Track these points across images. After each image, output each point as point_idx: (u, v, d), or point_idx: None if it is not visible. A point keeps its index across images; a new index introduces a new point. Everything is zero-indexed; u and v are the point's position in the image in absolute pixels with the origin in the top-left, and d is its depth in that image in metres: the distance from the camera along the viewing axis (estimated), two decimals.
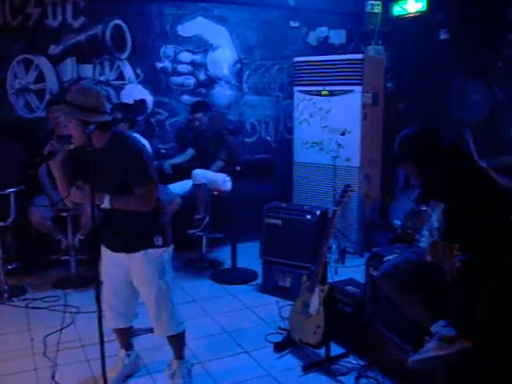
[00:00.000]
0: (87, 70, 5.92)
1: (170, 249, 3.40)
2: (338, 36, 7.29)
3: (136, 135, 3.59)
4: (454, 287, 2.85)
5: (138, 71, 6.15)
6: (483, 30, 6.49)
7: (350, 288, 4.16)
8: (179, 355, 3.56)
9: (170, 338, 3.50)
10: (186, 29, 6.38)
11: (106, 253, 3.38)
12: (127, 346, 3.69)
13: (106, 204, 3.06)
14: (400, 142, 3.14)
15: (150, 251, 3.26)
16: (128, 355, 3.67)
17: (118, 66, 6.05)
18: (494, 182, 3.01)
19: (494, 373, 3.01)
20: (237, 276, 5.59)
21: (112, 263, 3.34)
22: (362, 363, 3.80)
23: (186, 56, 6.43)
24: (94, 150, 2.95)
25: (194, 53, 6.48)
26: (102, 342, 2.91)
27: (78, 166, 3.14)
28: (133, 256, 3.26)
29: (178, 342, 3.53)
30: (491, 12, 6.37)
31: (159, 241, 3.28)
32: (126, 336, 3.69)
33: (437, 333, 2.86)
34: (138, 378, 3.69)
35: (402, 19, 7.26)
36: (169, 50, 6.31)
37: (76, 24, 5.78)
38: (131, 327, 3.72)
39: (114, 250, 3.31)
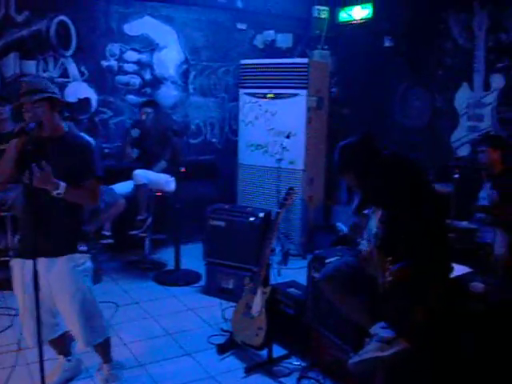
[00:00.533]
0: (30, 65, 5.78)
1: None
2: (284, 40, 7.34)
3: (83, 134, 3.52)
4: (391, 291, 2.90)
5: (83, 69, 6.04)
6: (425, 38, 6.65)
7: (292, 290, 4.20)
8: (107, 359, 3.49)
9: (96, 346, 3.38)
10: (133, 28, 6.32)
11: (20, 267, 3.13)
12: (65, 352, 3.59)
13: (61, 190, 2.95)
14: (339, 153, 3.14)
15: (75, 256, 3.17)
16: (68, 360, 3.59)
17: (63, 63, 5.93)
18: (433, 190, 3.09)
19: (432, 372, 3.09)
20: (180, 278, 5.56)
21: (31, 276, 2.89)
22: (303, 364, 3.84)
23: (131, 55, 6.36)
24: (50, 139, 2.96)
25: (140, 52, 6.41)
26: (40, 346, 2.84)
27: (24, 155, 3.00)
28: (56, 261, 3.13)
29: (104, 347, 3.45)
30: (433, 21, 6.54)
31: (83, 247, 3.21)
32: (61, 344, 3.56)
33: (376, 334, 2.90)
34: (78, 381, 3.61)
35: (348, 25, 7.38)
36: (115, 48, 6.23)
37: (19, 18, 5.63)
38: (64, 334, 3.50)
39: (37, 254, 2.97)
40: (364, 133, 3.16)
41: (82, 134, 3.45)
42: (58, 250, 3.14)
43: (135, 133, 5.78)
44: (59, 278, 3.15)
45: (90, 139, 3.51)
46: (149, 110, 5.89)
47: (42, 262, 3.03)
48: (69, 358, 3.59)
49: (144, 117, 5.89)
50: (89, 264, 3.27)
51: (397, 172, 3.03)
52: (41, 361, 2.83)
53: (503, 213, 4.43)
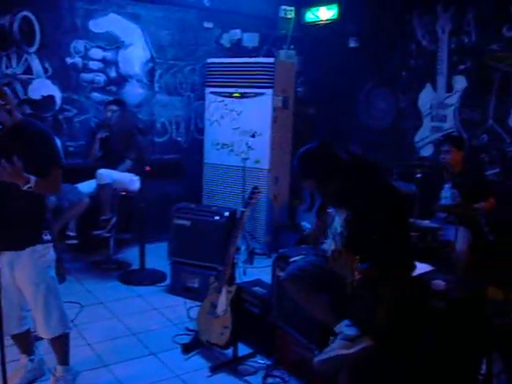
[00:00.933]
0: None
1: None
2: (251, 39, 7.34)
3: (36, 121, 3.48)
4: (355, 290, 2.93)
5: (47, 66, 5.95)
6: (390, 39, 6.74)
7: (257, 289, 4.21)
8: (64, 361, 3.43)
9: (55, 340, 3.34)
10: (98, 24, 6.24)
11: None
12: (28, 351, 3.54)
13: (31, 184, 2.94)
14: (298, 161, 3.15)
15: (39, 247, 3.15)
16: (31, 360, 3.53)
17: (26, 60, 5.83)
18: (395, 190, 3.13)
19: (395, 370, 3.14)
20: (145, 277, 5.52)
21: None
22: (268, 363, 3.86)
23: (97, 52, 6.29)
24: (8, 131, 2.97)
25: (105, 49, 6.35)
26: (2, 347, 2.78)
27: None
28: (20, 254, 3.12)
29: (63, 344, 3.39)
30: (397, 23, 6.63)
31: (48, 235, 3.19)
32: (25, 341, 3.52)
33: (341, 332, 2.93)
34: (42, 382, 3.56)
35: (314, 26, 7.44)
36: (79, 45, 6.15)
37: None
38: (29, 331, 3.49)
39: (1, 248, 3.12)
40: (322, 139, 3.18)
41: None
42: (21, 243, 3.12)
43: (102, 134, 5.75)
44: (23, 270, 3.14)
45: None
46: (114, 107, 5.85)
47: (6, 255, 3.10)
48: (31, 357, 3.54)
49: (109, 114, 5.85)
50: (52, 253, 3.25)
51: (357, 175, 3.06)
52: (2, 355, 2.79)
53: (464, 211, 4.52)
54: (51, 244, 3.24)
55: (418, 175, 4.69)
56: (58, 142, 4.90)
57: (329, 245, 3.07)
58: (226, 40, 7.20)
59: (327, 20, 7.23)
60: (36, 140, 3.09)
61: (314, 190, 3.20)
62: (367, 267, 2.84)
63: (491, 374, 3.17)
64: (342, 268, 2.82)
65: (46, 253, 3.20)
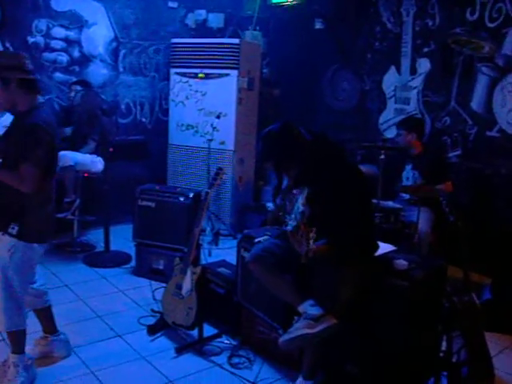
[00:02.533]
0: None
1: (39, 248, 3.18)
2: (216, 19, 7.28)
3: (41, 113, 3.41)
4: (318, 268, 2.97)
5: (8, 45, 5.79)
6: (355, 21, 6.76)
7: (222, 269, 4.23)
8: (18, 349, 3.31)
9: (11, 333, 3.28)
10: (60, 3, 6.09)
11: None
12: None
13: None
14: (262, 141, 3.18)
15: (6, 237, 3.06)
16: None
17: None
18: (357, 169, 3.16)
19: (359, 348, 3.19)
20: (110, 259, 5.50)
21: None
22: (234, 343, 3.90)
23: (59, 31, 6.16)
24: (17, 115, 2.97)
25: (68, 28, 6.21)
26: None
27: None
28: None
29: (19, 337, 3.30)
30: (363, 5, 6.65)
31: (14, 229, 3.05)
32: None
33: (305, 312, 2.96)
34: None
35: (280, 7, 7.40)
36: (41, 24, 6.00)
37: None
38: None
39: None
40: (285, 120, 3.19)
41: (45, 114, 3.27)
42: None
43: (67, 131, 5.67)
44: None
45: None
46: (78, 87, 5.77)
47: None
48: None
49: (73, 94, 5.77)
50: (28, 253, 3.14)
51: (319, 154, 3.09)
52: None
53: (425, 192, 4.59)
54: (25, 243, 3.11)
55: (382, 156, 4.74)
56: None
57: (292, 225, 3.09)
58: (191, 20, 7.13)
59: (293, 1, 7.21)
60: (24, 131, 3.01)
61: (276, 170, 3.22)
62: (324, 243, 2.88)
63: (451, 350, 3.25)
64: (299, 243, 2.84)
65: (12, 246, 3.08)
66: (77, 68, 6.35)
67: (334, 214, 2.92)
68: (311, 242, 2.71)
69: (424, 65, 6.10)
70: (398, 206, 4.86)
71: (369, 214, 3.18)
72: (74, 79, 6.11)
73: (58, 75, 6.21)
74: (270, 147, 3.12)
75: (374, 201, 4.51)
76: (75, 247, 5.82)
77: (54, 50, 6.15)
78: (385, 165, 4.75)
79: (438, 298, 3.31)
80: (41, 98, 4.57)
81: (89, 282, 5.00)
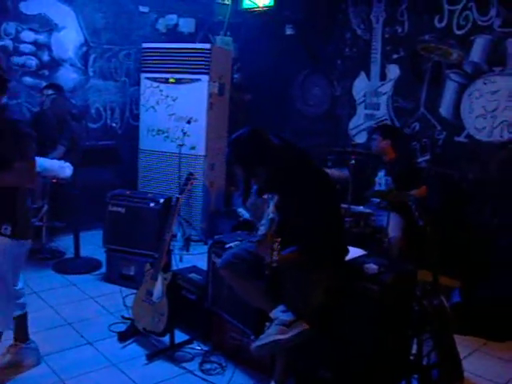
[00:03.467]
0: None
1: (26, 243, 3.20)
2: (187, 24, 7.29)
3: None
4: (289, 274, 2.97)
5: None
6: (326, 27, 6.81)
7: (193, 275, 4.21)
8: None
9: None
10: (30, 6, 6.03)
11: None
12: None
13: None
14: (230, 146, 3.18)
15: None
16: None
17: None
18: (324, 174, 3.18)
19: (330, 353, 3.21)
20: (80, 265, 5.44)
21: None
22: (205, 349, 3.88)
23: (28, 35, 6.09)
24: None
25: (37, 32, 6.15)
26: None
27: None
28: None
29: None
30: (333, 11, 6.70)
31: (7, 230, 3.05)
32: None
33: (276, 318, 2.96)
34: None
35: (250, 12, 7.43)
36: (10, 27, 5.93)
37: None
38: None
39: None
40: (253, 125, 3.20)
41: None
42: None
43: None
44: None
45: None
46: (50, 91, 5.71)
47: None
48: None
49: (44, 98, 5.70)
50: (16, 250, 3.14)
51: (287, 160, 3.10)
52: None
53: (396, 197, 4.63)
54: (17, 241, 3.11)
55: (352, 162, 4.77)
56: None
57: (263, 231, 3.09)
58: (161, 25, 7.12)
59: (264, 6, 7.24)
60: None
61: (245, 176, 3.22)
62: (293, 251, 2.89)
63: (421, 353, 3.28)
64: (264, 251, 2.85)
65: (10, 249, 3.08)
66: (46, 72, 6.28)
67: (303, 219, 2.93)
68: (275, 253, 2.72)
69: (393, 71, 6.16)
70: (368, 210, 4.89)
71: (338, 218, 3.20)
72: (44, 83, 6.05)
73: (27, 79, 6.14)
74: (239, 152, 3.12)
75: (345, 205, 4.54)
76: (44, 254, 5.73)
77: (23, 54, 6.09)
78: (356, 170, 4.79)
79: (408, 302, 3.34)
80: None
81: (59, 289, 4.95)
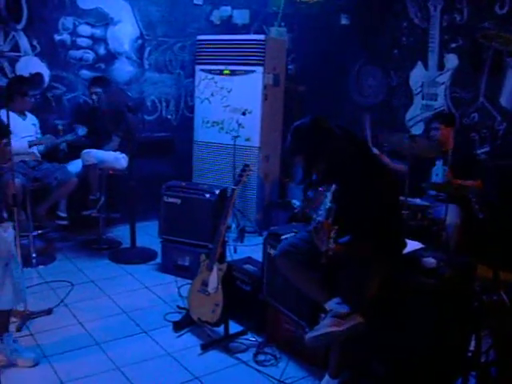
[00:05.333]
0: None
1: None
2: (241, 16, 7.27)
3: None
4: (345, 266, 2.94)
5: (35, 43, 5.85)
6: (382, 17, 6.70)
7: (248, 266, 4.22)
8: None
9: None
10: (86, 1, 6.11)
11: None
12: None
13: None
14: (292, 134, 3.15)
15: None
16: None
17: (13, 37, 5.73)
18: (385, 166, 3.13)
19: (385, 347, 3.16)
20: (136, 255, 5.52)
21: None
22: (259, 340, 3.87)
23: (85, 29, 6.19)
24: None
25: (94, 26, 6.25)
26: None
27: None
28: None
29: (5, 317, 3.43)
30: (389, 0, 6.58)
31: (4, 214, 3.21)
32: None
33: (331, 310, 2.94)
34: None
35: (305, 2, 7.36)
36: (68, 22, 6.04)
37: None
38: None
39: None
40: (315, 114, 3.17)
41: None
42: None
43: (82, 131, 5.68)
44: None
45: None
46: (98, 89, 5.75)
47: None
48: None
49: (95, 97, 5.78)
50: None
51: (348, 150, 3.06)
52: None
53: (455, 189, 4.53)
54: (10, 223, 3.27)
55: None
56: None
57: (319, 220, 3.06)
58: (216, 17, 7.12)
59: None
60: None
61: (306, 165, 3.19)
62: (349, 240, 2.86)
63: (480, 350, 3.20)
64: (320, 241, 2.82)
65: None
66: (102, 65, 6.38)
67: (361, 210, 2.89)
68: (331, 241, 2.69)
69: (452, 60, 6.02)
70: (425, 203, 4.80)
71: (397, 210, 3.15)
72: (93, 78, 6.13)
73: (85, 72, 6.24)
74: (300, 140, 3.10)
75: (402, 198, 4.45)
76: (101, 244, 5.85)
77: (80, 48, 6.19)
78: (412, 161, 4.69)
79: (467, 297, 3.26)
80: None
81: (115, 278, 5.03)
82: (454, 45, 5.99)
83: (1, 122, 3.37)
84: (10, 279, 3.32)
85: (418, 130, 6.34)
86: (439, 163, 5.10)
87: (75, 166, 5.56)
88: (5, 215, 3.32)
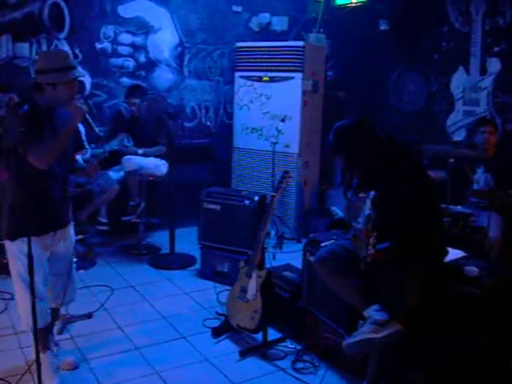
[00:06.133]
0: (23, 48, 5.67)
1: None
2: (280, 22, 7.29)
3: None
4: (384, 273, 2.91)
5: (77, 51, 5.97)
6: (421, 22, 6.62)
7: (287, 273, 4.21)
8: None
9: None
10: (127, 9, 6.24)
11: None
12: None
13: None
14: (334, 133, 3.15)
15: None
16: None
17: (56, 46, 5.85)
18: (427, 174, 3.09)
19: (425, 356, 3.11)
20: (175, 261, 5.55)
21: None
22: (298, 347, 3.85)
23: (126, 37, 6.30)
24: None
25: (134, 34, 6.35)
26: (35, 330, 2.82)
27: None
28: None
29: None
30: (429, 5, 6.51)
31: None
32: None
33: (370, 317, 2.91)
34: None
35: (343, 8, 7.32)
36: (109, 30, 6.16)
37: (12, 0, 5.54)
38: None
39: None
40: (359, 115, 3.16)
41: None
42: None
43: (127, 142, 5.77)
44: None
45: None
46: (136, 100, 5.81)
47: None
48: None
49: (134, 108, 5.85)
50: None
51: (391, 154, 3.03)
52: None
53: (498, 197, 4.44)
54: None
55: (451, 160, 4.60)
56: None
57: (357, 228, 3.04)
58: (254, 24, 7.16)
59: (357, 2, 7.11)
60: None
61: (347, 166, 3.18)
62: (389, 246, 2.83)
63: None
64: (359, 247, 2.81)
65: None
66: (143, 73, 6.47)
67: (402, 216, 2.86)
68: (370, 247, 2.67)
69: (494, 64, 5.91)
70: (467, 210, 4.71)
71: (438, 218, 3.10)
72: (141, 84, 6.20)
73: (125, 80, 6.34)
74: (343, 139, 3.10)
75: (443, 205, 4.39)
76: (141, 249, 5.91)
77: (120, 56, 6.30)
78: (454, 168, 4.62)
79: (510, 307, 3.19)
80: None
81: (154, 284, 5.07)
82: (496, 49, 5.88)
83: (79, 133, 3.49)
84: (73, 278, 3.47)
85: (459, 136, 6.23)
86: (480, 171, 5.00)
87: (116, 173, 5.63)
88: (70, 215, 3.40)
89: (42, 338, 3.27)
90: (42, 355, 3.16)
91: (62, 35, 5.86)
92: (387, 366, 3.20)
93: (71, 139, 3.21)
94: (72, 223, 3.44)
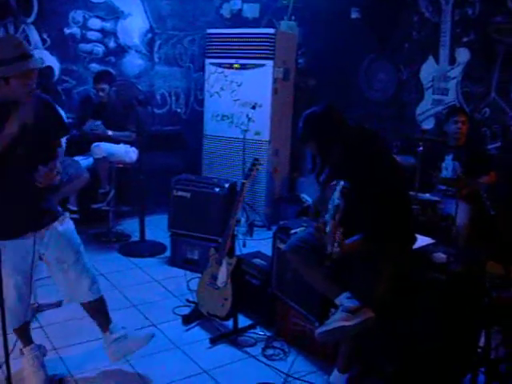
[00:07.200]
0: None
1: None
2: (251, 10, 7.25)
3: None
4: (355, 261, 2.93)
5: (45, 36, 5.86)
6: (392, 10, 6.65)
7: (257, 260, 4.22)
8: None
9: None
10: None
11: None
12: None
13: None
14: (304, 121, 3.13)
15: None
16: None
17: (24, 30, 5.74)
18: (395, 160, 3.12)
19: (395, 342, 3.15)
20: (145, 249, 5.53)
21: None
22: (268, 334, 3.88)
23: (95, 23, 6.21)
24: None
25: (104, 20, 6.26)
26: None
27: None
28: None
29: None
30: None
31: None
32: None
33: (342, 304, 2.93)
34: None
35: None
36: (78, 15, 6.06)
37: None
38: None
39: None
40: (328, 102, 3.16)
41: None
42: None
43: (99, 127, 5.67)
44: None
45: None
46: (105, 86, 5.72)
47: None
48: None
49: (103, 94, 5.76)
50: None
51: (360, 142, 3.05)
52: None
53: (466, 185, 4.50)
54: None
55: (420, 148, 4.65)
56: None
57: (328, 217, 3.06)
58: (226, 10, 7.12)
59: None
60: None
61: (316, 153, 3.18)
62: (356, 240, 2.85)
63: (489, 346, 3.18)
64: (325, 241, 2.82)
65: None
66: (112, 59, 6.39)
67: (371, 205, 2.88)
68: (336, 244, 2.69)
69: (463, 54, 5.96)
70: (435, 198, 4.77)
71: (406, 205, 3.13)
72: (111, 70, 6.13)
73: (94, 66, 6.26)
74: (314, 126, 3.09)
75: (412, 193, 4.43)
76: (111, 237, 5.87)
77: (90, 41, 6.21)
78: (423, 156, 4.67)
79: (477, 293, 3.25)
80: None
81: (124, 271, 5.05)
82: (465, 39, 5.93)
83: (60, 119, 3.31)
84: (86, 273, 3.37)
85: (428, 124, 6.29)
86: (449, 158, 5.06)
87: (85, 160, 5.57)
88: (59, 208, 3.26)
89: (20, 335, 3.24)
90: (25, 352, 3.23)
91: (30, 20, 5.75)
92: (358, 352, 3.24)
93: (37, 140, 2.98)
94: (62, 217, 3.23)
